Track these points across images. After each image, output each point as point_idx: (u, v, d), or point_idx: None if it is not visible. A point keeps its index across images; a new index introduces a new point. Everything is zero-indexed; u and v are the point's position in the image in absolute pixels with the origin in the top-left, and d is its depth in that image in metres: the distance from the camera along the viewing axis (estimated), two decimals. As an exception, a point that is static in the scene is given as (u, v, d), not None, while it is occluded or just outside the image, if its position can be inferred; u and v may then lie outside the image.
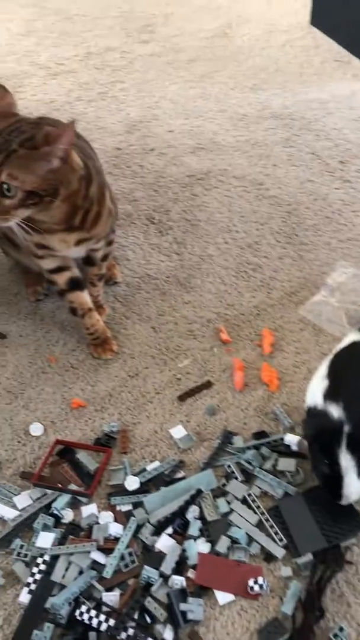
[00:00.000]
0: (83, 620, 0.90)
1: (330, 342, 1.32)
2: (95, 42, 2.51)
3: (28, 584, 0.95)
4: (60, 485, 1.08)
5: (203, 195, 1.74)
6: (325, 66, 2.29)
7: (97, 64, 2.37)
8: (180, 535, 1.01)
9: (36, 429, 1.19)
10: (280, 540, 1.00)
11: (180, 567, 0.97)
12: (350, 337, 1.15)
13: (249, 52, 2.40)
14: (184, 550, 0.99)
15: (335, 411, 0.97)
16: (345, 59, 2.33)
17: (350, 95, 2.12)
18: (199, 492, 1.05)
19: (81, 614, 0.91)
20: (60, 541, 1.01)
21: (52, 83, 2.26)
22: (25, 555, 0.99)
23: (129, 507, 1.06)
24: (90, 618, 0.91)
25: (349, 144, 1.88)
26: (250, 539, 1.00)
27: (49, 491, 1.08)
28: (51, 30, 2.65)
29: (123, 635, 0.89)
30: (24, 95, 2.20)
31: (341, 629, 0.89)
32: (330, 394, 1.00)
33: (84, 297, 1.30)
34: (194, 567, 0.97)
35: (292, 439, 1.13)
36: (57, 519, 1.04)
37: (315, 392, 1.03)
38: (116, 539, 1.01)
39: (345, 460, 0.95)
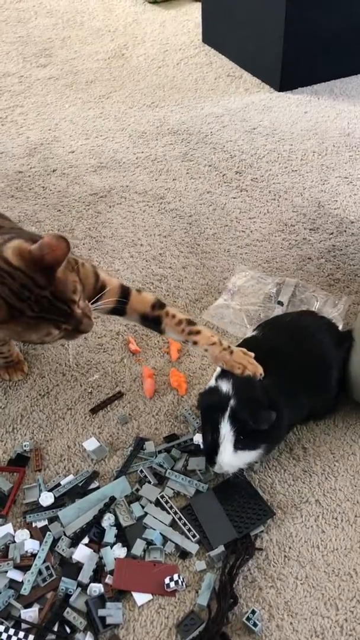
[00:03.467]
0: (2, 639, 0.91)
1: (234, 343, 1.38)
2: (-8, 68, 2.52)
3: None
4: (-26, 510, 1.08)
5: (107, 212, 1.78)
6: (219, 81, 2.39)
7: (-5, 89, 2.38)
8: (97, 543, 1.03)
9: None
10: (194, 536, 1.03)
11: (98, 574, 0.99)
12: (248, 334, 1.22)
13: (145, 71, 2.48)
14: (101, 558, 1.01)
15: (225, 387, 1.06)
16: (238, 73, 2.44)
17: (243, 108, 2.22)
18: (113, 499, 1.08)
19: (0, 634, 0.91)
20: (-23, 565, 1.01)
21: None
22: None
23: (44, 523, 1.07)
24: (9, 637, 0.91)
25: (244, 155, 1.98)
26: (165, 539, 1.04)
27: None
28: None
29: (43, 648, 0.90)
30: None
31: (253, 612, 0.94)
32: (223, 374, 1.10)
33: None
34: (111, 572, 0.99)
35: (200, 438, 1.18)
36: (-27, 544, 1.04)
37: (213, 376, 1.14)
38: (33, 555, 1.01)
39: (225, 429, 1.02)
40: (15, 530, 1.05)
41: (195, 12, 2.92)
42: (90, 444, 1.19)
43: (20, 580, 0.98)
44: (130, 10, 3.02)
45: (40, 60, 2.58)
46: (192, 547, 1.02)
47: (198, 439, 1.18)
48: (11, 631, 0.91)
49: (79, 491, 1.11)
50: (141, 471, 1.13)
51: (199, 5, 2.87)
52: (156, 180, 1.89)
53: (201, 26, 2.66)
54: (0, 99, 2.31)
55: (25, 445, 1.18)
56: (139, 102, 2.27)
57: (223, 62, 2.52)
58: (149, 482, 1.11)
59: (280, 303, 1.47)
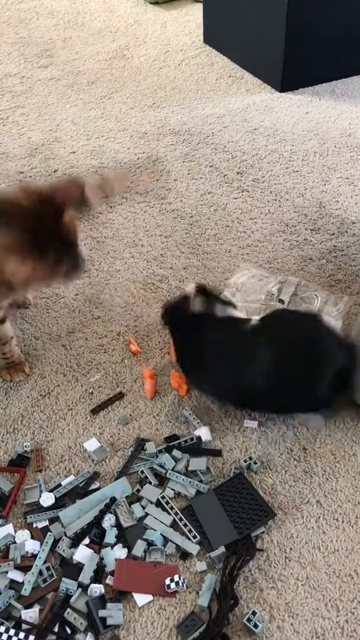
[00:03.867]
0: (2, 640, 0.91)
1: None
2: (-7, 69, 2.52)
3: None
4: (-26, 510, 1.08)
5: (108, 212, 1.78)
6: (220, 82, 2.39)
7: (-4, 90, 2.38)
8: (98, 544, 1.03)
9: None
10: (194, 537, 1.03)
11: (99, 575, 0.99)
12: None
13: (146, 72, 2.48)
14: (101, 559, 1.01)
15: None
16: (239, 74, 2.44)
17: (245, 108, 2.22)
18: (113, 500, 1.07)
19: (0, 634, 0.91)
20: (-23, 566, 1.01)
21: None
22: None
23: (45, 523, 1.07)
24: (10, 638, 0.91)
25: (245, 155, 1.97)
26: (166, 540, 1.04)
27: None
28: None
29: (43, 649, 0.90)
30: None
31: (254, 613, 0.94)
32: None
33: (8, 327, 1.28)
34: (112, 573, 0.99)
35: (203, 431, 1.18)
36: (-27, 544, 1.04)
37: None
38: (33, 556, 1.01)
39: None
40: (15, 531, 1.05)
41: (196, 13, 2.92)
42: (91, 445, 1.19)
43: (21, 581, 0.98)
44: (132, 11, 3.02)
45: (41, 61, 2.58)
46: (193, 547, 1.02)
47: (200, 432, 1.18)
48: (12, 632, 0.91)
49: (79, 492, 1.11)
50: (142, 472, 1.13)
51: (200, 5, 2.87)
52: (157, 180, 1.89)
53: (202, 27, 2.66)
54: (1, 100, 2.31)
55: (26, 446, 1.18)
56: (140, 102, 2.27)
57: (224, 62, 2.52)
58: (150, 482, 1.11)
59: (281, 301, 1.47)
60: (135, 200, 1.81)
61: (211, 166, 1.94)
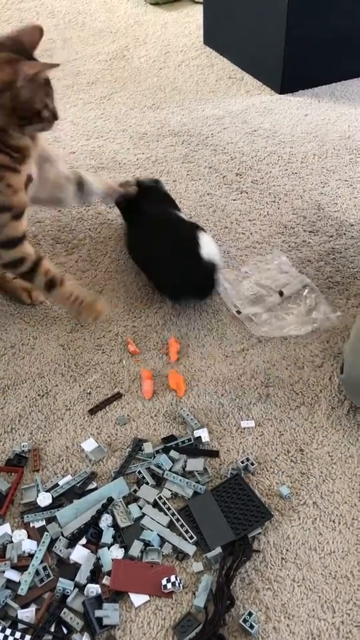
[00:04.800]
0: (-1, 639, 0.91)
1: (233, 345, 1.39)
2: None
3: None
4: (-28, 510, 1.08)
5: (107, 212, 1.78)
6: (220, 83, 2.40)
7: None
8: (94, 544, 1.03)
9: None
10: (191, 537, 1.04)
11: (95, 575, 0.99)
12: None
13: (146, 72, 2.48)
14: (98, 559, 1.01)
15: None
16: (238, 75, 2.44)
17: (244, 110, 2.22)
18: (110, 500, 1.08)
19: (-4, 634, 0.91)
20: (-26, 565, 1.01)
21: None
22: None
23: (42, 523, 1.07)
24: (6, 637, 0.91)
25: (244, 157, 1.98)
26: (163, 540, 1.04)
27: None
28: None
29: (39, 649, 0.90)
30: None
31: (250, 614, 0.94)
32: None
33: (50, 263, 1.34)
34: (109, 573, 0.99)
35: (201, 433, 1.19)
36: (-30, 543, 1.04)
37: None
38: (30, 556, 1.02)
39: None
40: (12, 531, 1.05)
41: (196, 14, 2.92)
42: (89, 445, 1.19)
43: (18, 581, 0.98)
44: (132, 11, 3.02)
45: (41, 60, 2.57)
46: (190, 548, 1.03)
47: (199, 433, 1.18)
48: (8, 631, 0.91)
49: (77, 492, 1.11)
50: (139, 472, 1.13)
51: (200, 7, 2.87)
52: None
53: (202, 28, 2.67)
54: (1, 99, 2.31)
55: (23, 446, 1.18)
56: (140, 103, 2.27)
57: (224, 64, 2.53)
58: (147, 483, 1.11)
59: (281, 293, 1.48)
60: (135, 201, 1.82)
61: (210, 167, 1.94)
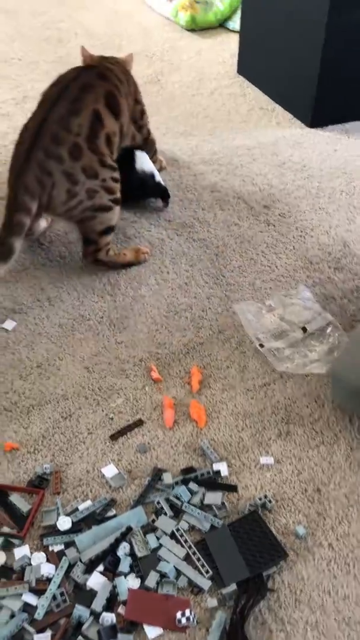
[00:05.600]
0: (14, 663, 0.92)
1: (255, 379, 1.40)
2: (31, 86, 2.58)
3: None
4: (-8, 529, 1.10)
5: (135, 237, 1.81)
6: (252, 113, 2.43)
7: (33, 107, 2.42)
8: (111, 572, 1.05)
9: (-31, 473, 1.20)
10: (207, 572, 1.05)
11: (111, 603, 1.01)
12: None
13: (180, 98, 2.52)
14: (114, 587, 1.02)
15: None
16: (270, 107, 2.48)
17: (274, 142, 2.25)
18: (129, 529, 1.09)
19: (13, 656, 0.93)
20: (-7, 585, 1.03)
21: (-12, 126, 2.31)
22: None
23: (61, 547, 1.08)
24: (22, 660, 0.93)
25: (273, 189, 2.01)
26: (179, 573, 1.05)
27: (-19, 535, 1.09)
28: (-13, 72, 2.70)
29: (54, 675, 0.91)
30: None
31: (262, 655, 0.95)
32: None
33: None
34: (124, 603, 1.01)
35: (220, 466, 1.20)
36: (-10, 563, 1.06)
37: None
38: (48, 580, 1.03)
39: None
40: (31, 553, 1.07)
41: (231, 42, 2.97)
42: (109, 471, 1.21)
43: (35, 605, 1.00)
44: (168, 36, 3.08)
45: (77, 80, 2.63)
46: (205, 583, 1.04)
47: (218, 466, 1.20)
48: (24, 655, 0.93)
49: (96, 517, 1.13)
50: (158, 502, 1.15)
51: (235, 35, 2.92)
52: (186, 209, 1.92)
53: (237, 57, 2.71)
54: (37, 117, 2.36)
55: (45, 468, 1.20)
56: (172, 129, 2.31)
57: (256, 94, 2.57)
58: (165, 514, 1.13)
59: (304, 329, 1.50)
60: (163, 227, 1.85)
61: (239, 198, 1.97)
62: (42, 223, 1.77)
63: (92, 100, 1.56)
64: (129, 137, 1.77)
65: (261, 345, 1.48)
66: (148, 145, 1.94)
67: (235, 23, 3.09)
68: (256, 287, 1.65)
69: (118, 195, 1.62)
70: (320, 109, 2.33)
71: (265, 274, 1.69)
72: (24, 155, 1.48)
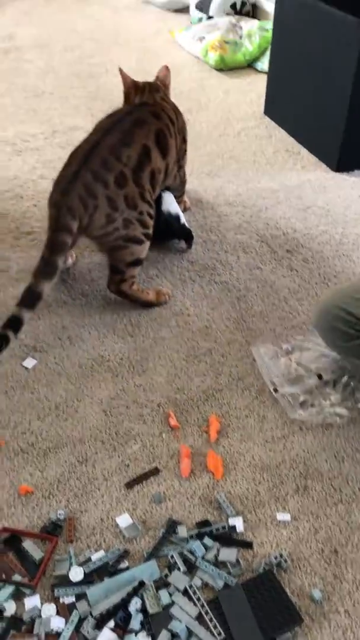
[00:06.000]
0: None
1: (274, 429, 1.39)
2: (60, 121, 2.63)
3: None
4: (4, 576, 1.09)
5: (157, 277, 1.82)
6: (277, 156, 2.46)
7: (62, 142, 2.48)
8: (122, 629, 1.03)
9: (-17, 516, 1.20)
10: (219, 634, 1.03)
11: (121, 663, 0.99)
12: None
13: (206, 138, 2.55)
14: (124, 645, 1.01)
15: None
16: (296, 149, 2.50)
17: (299, 185, 2.27)
18: (142, 584, 1.08)
19: None
20: (2, 636, 1.01)
21: (17, 159, 2.35)
22: (-35, 652, 0.99)
23: (72, 599, 1.07)
24: None
25: (296, 233, 2.01)
26: (190, 633, 1.03)
27: (-8, 582, 1.09)
28: (19, 106, 2.77)
29: None
30: (-12, 170, 2.28)
31: None
32: None
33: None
34: (134, 662, 0.99)
35: (236, 521, 1.19)
36: (0, 612, 1.05)
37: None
38: (58, 634, 1.02)
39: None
40: (42, 603, 1.06)
41: (259, 83, 3.01)
42: (123, 521, 1.19)
43: (43, 659, 0.98)
44: (197, 75, 3.13)
45: (106, 117, 2.68)
46: (217, 645, 1.02)
47: (235, 522, 1.18)
48: None
49: (108, 569, 1.11)
50: (171, 556, 1.13)
51: (263, 76, 2.96)
52: (209, 250, 1.93)
53: (264, 98, 2.75)
54: (66, 152, 2.39)
55: (59, 514, 1.19)
56: (198, 169, 2.34)
57: (282, 136, 2.59)
58: (179, 569, 1.11)
59: (320, 376, 1.48)
60: (185, 268, 1.86)
61: (262, 241, 1.98)
62: (68, 259, 1.79)
63: (144, 136, 1.63)
64: (172, 177, 1.83)
65: (275, 390, 1.47)
66: (181, 186, 1.98)
67: (263, 64, 3.15)
68: (277, 334, 1.64)
69: (150, 230, 1.66)
70: (346, 153, 2.34)
71: (287, 321, 1.69)
72: (71, 176, 1.54)
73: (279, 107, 2.67)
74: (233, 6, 3.58)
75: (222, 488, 1.27)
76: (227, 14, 3.55)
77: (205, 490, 1.26)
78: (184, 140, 1.90)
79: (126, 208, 1.57)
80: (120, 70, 1.89)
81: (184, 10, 3.89)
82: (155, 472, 1.29)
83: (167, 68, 1.94)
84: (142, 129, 1.64)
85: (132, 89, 1.87)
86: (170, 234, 1.90)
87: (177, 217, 1.88)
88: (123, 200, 1.56)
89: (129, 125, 1.63)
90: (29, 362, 1.53)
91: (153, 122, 1.68)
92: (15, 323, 1.41)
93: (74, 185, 1.52)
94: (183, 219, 1.90)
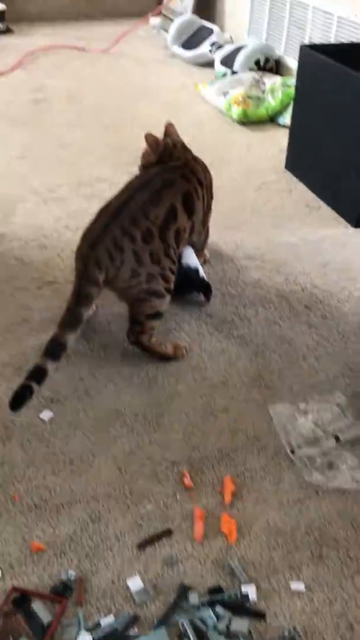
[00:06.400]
0: None
1: (289, 493, 1.37)
2: (87, 172, 2.70)
3: None
4: (11, 639, 1.08)
5: (175, 330, 1.83)
6: (298, 211, 2.49)
7: (87, 193, 2.54)
8: None
9: (-7, 574, 1.19)
10: None
11: None
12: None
13: (227, 191, 2.60)
14: None
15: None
16: (316, 204, 2.53)
17: (319, 240, 2.29)
18: (151, 654, 1.06)
19: None
20: None
21: (43, 209, 2.42)
22: None
23: (79, 667, 1.05)
24: None
25: (315, 289, 2.02)
26: None
27: (0, 645, 1.07)
28: (46, 156, 2.85)
29: None
30: (14, 220, 2.34)
31: None
32: None
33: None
34: None
35: (249, 589, 1.16)
36: None
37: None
38: None
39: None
40: (49, 670, 1.04)
41: (281, 138, 3.07)
42: (135, 584, 1.18)
43: None
44: (219, 128, 3.21)
45: (130, 168, 2.72)
46: None
47: (248, 590, 1.16)
48: None
49: (117, 636, 1.09)
50: (182, 624, 1.11)
51: (286, 131, 3.02)
52: (227, 304, 1.95)
53: (286, 152, 2.80)
54: (90, 203, 2.46)
55: (70, 575, 1.18)
56: (218, 222, 2.36)
57: (303, 191, 2.63)
58: (189, 639, 1.09)
59: (337, 438, 1.47)
60: (204, 321, 1.87)
61: (281, 296, 1.99)
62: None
63: (171, 196, 1.70)
64: (197, 234, 1.88)
65: (292, 451, 1.45)
66: (203, 241, 2.03)
67: (285, 118, 3.22)
68: (294, 392, 1.64)
69: (171, 285, 1.70)
70: (366, 209, 2.37)
71: (305, 379, 1.68)
72: (99, 230, 1.60)
73: (300, 162, 2.71)
74: (257, 62, 3.69)
75: (236, 552, 1.25)
76: (251, 69, 3.65)
77: (218, 554, 1.24)
78: (210, 198, 1.95)
79: (150, 263, 1.62)
80: (147, 138, 1.95)
81: (209, 64, 4.02)
82: (168, 533, 1.28)
83: (171, 124, 2.01)
84: (170, 190, 1.72)
85: (162, 148, 1.93)
86: (189, 286, 1.92)
87: (196, 270, 1.91)
88: (148, 256, 1.61)
89: (159, 186, 1.71)
90: (46, 414, 1.54)
91: (181, 184, 1.76)
92: (39, 374, 1.43)
93: (102, 239, 1.58)
94: (202, 272, 1.93)
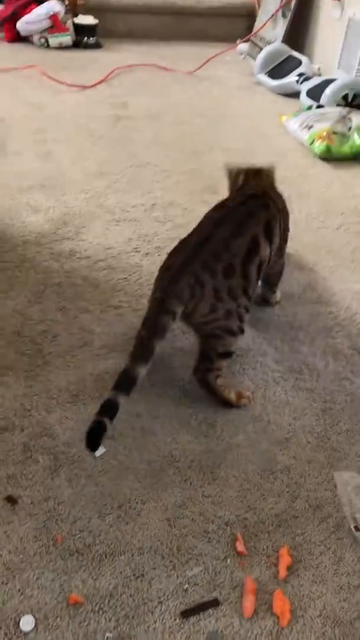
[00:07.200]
0: None
1: (351, 575, 1.25)
2: (161, 195, 2.66)
3: None
4: None
5: (239, 374, 1.74)
6: (377, 256, 2.36)
7: (160, 216, 2.49)
8: None
9: (27, 623, 1.12)
10: None
11: None
12: None
13: (304, 229, 2.50)
14: None
15: None
16: None
17: None
18: None
19: None
20: None
21: (115, 229, 2.38)
22: None
23: None
24: None
25: (391, 345, 1.89)
26: None
27: None
28: (123, 174, 2.82)
29: None
30: (85, 237, 2.30)
31: None
32: None
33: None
34: None
35: None
36: None
37: None
38: None
39: None
40: None
41: (363, 177, 2.96)
42: (174, 659, 1.08)
43: None
44: (300, 162, 3.12)
45: (204, 196, 2.68)
46: None
47: None
48: None
49: None
50: None
51: (369, 171, 2.91)
52: (296, 351, 1.84)
53: (368, 194, 2.69)
54: (162, 227, 2.41)
55: (107, 637, 1.10)
56: (292, 261, 2.27)
57: (384, 236, 2.50)
58: None
59: (357, 529, 1.34)
60: (270, 368, 1.77)
61: (354, 349, 1.87)
62: None
63: (254, 226, 1.66)
64: (271, 263, 1.82)
65: (356, 528, 1.33)
66: (278, 276, 1.97)
67: (369, 158, 3.10)
68: (363, 459, 1.52)
69: (245, 325, 1.63)
70: None
71: (374, 445, 1.56)
72: (180, 265, 1.56)
73: (383, 205, 2.59)
74: (345, 97, 3.58)
75: (287, 637, 1.14)
76: (338, 104, 3.55)
77: (267, 637, 1.14)
78: (286, 228, 1.90)
79: (229, 300, 1.57)
80: (230, 173, 1.95)
81: (295, 95, 3.94)
82: (215, 603, 1.18)
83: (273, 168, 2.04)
84: (253, 220, 1.68)
85: (243, 176, 1.92)
86: None
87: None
88: (227, 292, 1.56)
89: (242, 217, 1.68)
90: (99, 450, 1.47)
91: (263, 212, 1.72)
92: (111, 409, 1.38)
93: (183, 273, 1.54)
94: None
